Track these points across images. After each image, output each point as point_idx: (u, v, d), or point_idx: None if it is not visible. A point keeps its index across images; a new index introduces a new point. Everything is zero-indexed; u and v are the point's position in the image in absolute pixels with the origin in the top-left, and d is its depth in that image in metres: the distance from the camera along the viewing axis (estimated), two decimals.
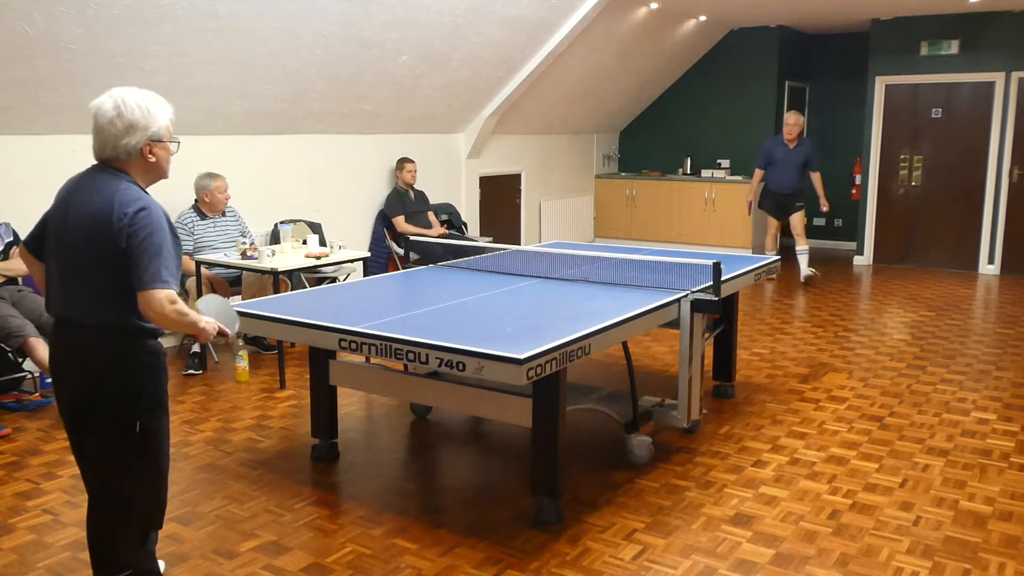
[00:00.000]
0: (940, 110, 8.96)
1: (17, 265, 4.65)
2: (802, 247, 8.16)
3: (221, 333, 2.49)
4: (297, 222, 6.50)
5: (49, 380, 4.72)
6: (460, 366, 2.82)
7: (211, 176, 5.59)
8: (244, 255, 5.21)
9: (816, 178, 7.96)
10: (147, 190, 2.36)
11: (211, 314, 2.50)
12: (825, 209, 8.05)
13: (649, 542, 3.10)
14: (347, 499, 3.49)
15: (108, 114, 2.26)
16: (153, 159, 2.34)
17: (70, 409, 2.39)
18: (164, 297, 2.21)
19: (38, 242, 2.45)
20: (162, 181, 2.46)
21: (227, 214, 5.75)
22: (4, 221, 4.78)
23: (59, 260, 2.34)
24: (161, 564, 2.69)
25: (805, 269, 8.13)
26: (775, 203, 8.05)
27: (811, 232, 10.81)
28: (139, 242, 2.21)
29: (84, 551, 3.01)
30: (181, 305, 2.27)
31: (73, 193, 2.34)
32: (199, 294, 5.30)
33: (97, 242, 2.24)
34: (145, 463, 2.38)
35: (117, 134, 2.27)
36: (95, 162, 2.37)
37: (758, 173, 8.11)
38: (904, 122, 9.13)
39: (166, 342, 5.85)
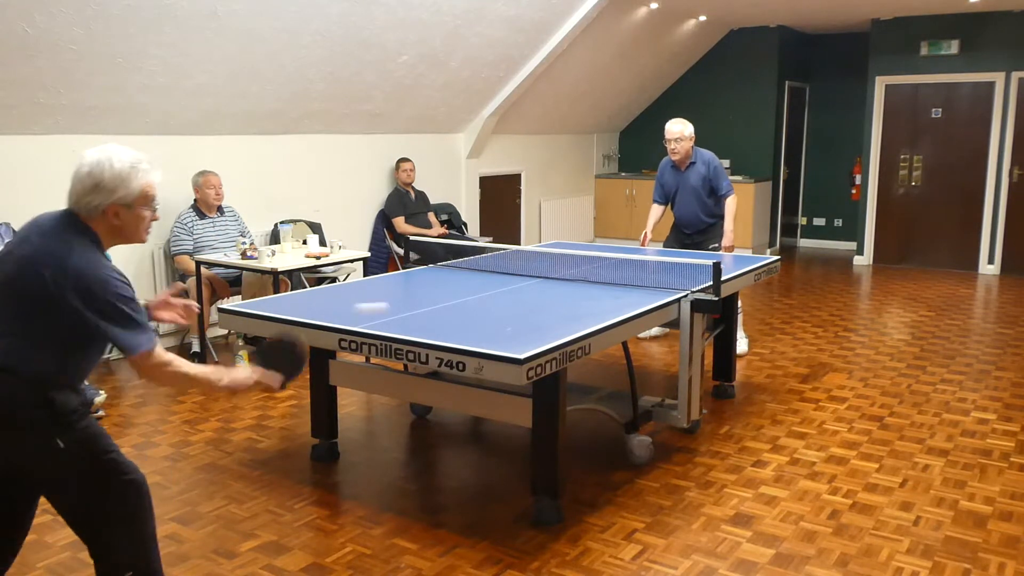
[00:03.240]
0: (940, 110, 8.96)
1: None
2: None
3: (265, 387, 2.38)
4: (297, 222, 6.50)
5: None
6: (460, 366, 2.81)
7: (201, 173, 5.60)
8: (244, 255, 5.21)
9: (727, 206, 5.48)
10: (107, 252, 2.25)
11: (264, 362, 2.39)
12: (725, 249, 5.47)
13: (649, 542, 3.10)
14: (347, 499, 3.49)
15: (83, 169, 2.19)
16: (117, 223, 2.21)
17: None
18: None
19: None
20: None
21: (226, 213, 5.75)
22: (4, 221, 4.78)
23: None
24: None
25: (741, 342, 5.63)
26: (679, 244, 5.70)
27: (811, 232, 10.85)
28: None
29: (84, 551, 3.01)
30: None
31: (30, 226, 2.23)
32: (199, 294, 5.30)
33: (37, 285, 2.11)
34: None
35: (83, 190, 2.18)
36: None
37: (654, 210, 5.74)
38: (904, 122, 9.13)
39: (166, 341, 5.86)
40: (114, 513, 2.26)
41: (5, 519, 2.34)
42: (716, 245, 5.56)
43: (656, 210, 5.74)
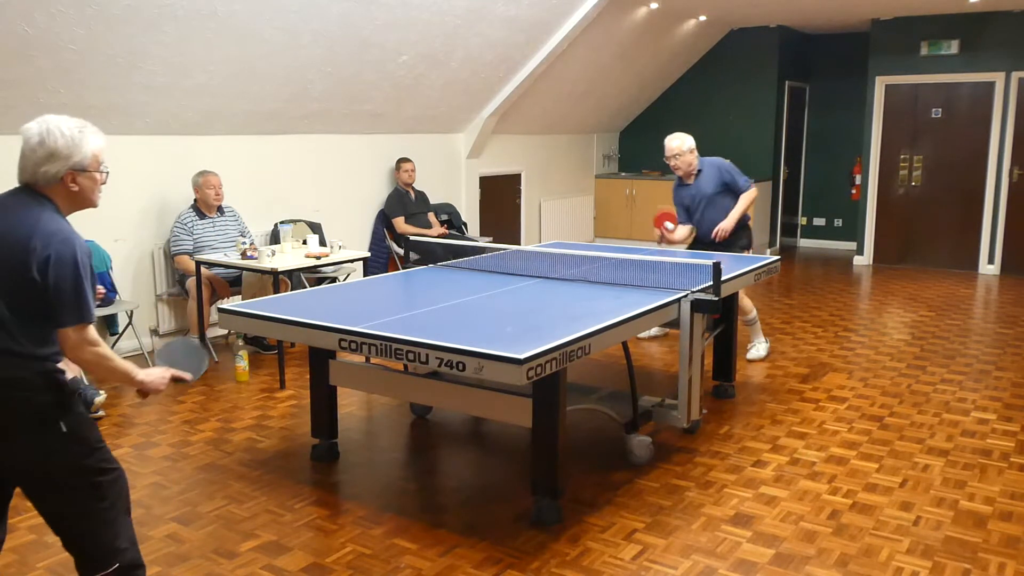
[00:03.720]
0: (940, 110, 8.96)
1: None
2: (747, 315, 5.48)
3: (177, 379, 2.45)
4: (297, 222, 6.50)
5: None
6: (460, 366, 2.81)
7: (201, 173, 5.60)
8: (244, 255, 5.21)
9: (742, 196, 5.28)
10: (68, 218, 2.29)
11: (170, 362, 2.46)
12: (720, 232, 5.23)
13: (649, 542, 3.10)
14: (347, 499, 3.49)
15: (32, 140, 2.22)
16: (76, 188, 2.26)
17: None
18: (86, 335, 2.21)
19: None
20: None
21: (226, 213, 5.75)
22: None
23: None
24: None
25: (759, 347, 5.59)
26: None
27: (811, 232, 10.85)
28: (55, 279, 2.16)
29: None
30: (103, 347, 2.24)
31: None
32: (199, 294, 5.30)
33: (10, 263, 2.17)
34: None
35: (38, 161, 2.22)
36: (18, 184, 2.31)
37: (682, 230, 5.47)
38: (904, 122, 9.14)
39: (167, 340, 5.85)
40: (101, 506, 2.28)
41: None
42: (742, 244, 5.37)
43: (683, 230, 5.49)
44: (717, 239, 5.27)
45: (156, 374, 2.37)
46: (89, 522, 2.27)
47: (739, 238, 5.36)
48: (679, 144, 5.24)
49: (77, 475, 2.24)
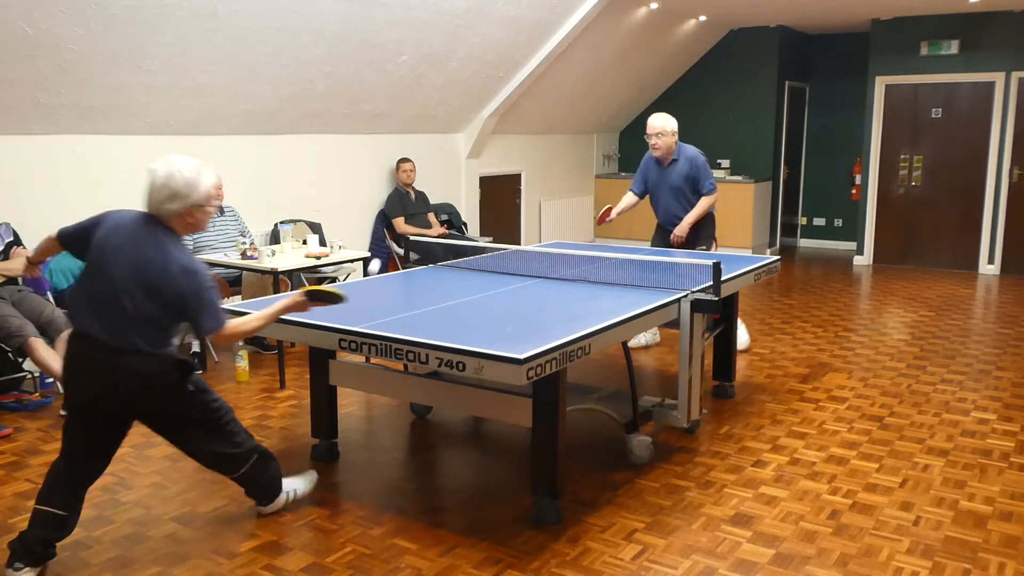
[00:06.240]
0: (940, 110, 8.96)
1: (17, 265, 4.65)
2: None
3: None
4: (297, 222, 6.50)
5: (50, 380, 4.73)
6: (460, 366, 2.81)
7: None
8: (244, 255, 5.21)
9: (701, 200, 5.24)
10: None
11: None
12: (675, 239, 5.30)
13: (649, 542, 3.10)
14: (347, 499, 3.49)
15: (157, 181, 2.69)
16: (192, 221, 2.77)
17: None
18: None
19: (74, 241, 2.85)
20: None
21: (226, 213, 5.75)
22: (4, 221, 4.78)
23: (97, 285, 2.75)
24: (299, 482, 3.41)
25: (743, 338, 5.64)
26: (662, 242, 5.46)
27: (811, 232, 10.85)
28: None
29: (84, 550, 3.02)
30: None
31: (121, 233, 2.73)
32: None
33: (145, 286, 2.69)
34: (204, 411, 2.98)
35: (161, 199, 2.70)
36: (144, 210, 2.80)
37: (628, 197, 5.50)
38: (904, 122, 9.14)
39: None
40: (214, 426, 2.97)
41: (104, 449, 2.93)
42: (704, 247, 5.31)
43: (629, 198, 5.51)
44: (674, 244, 5.29)
45: (292, 298, 2.97)
46: (209, 439, 2.99)
47: (698, 238, 5.33)
48: (663, 124, 5.17)
49: (203, 409, 2.95)
